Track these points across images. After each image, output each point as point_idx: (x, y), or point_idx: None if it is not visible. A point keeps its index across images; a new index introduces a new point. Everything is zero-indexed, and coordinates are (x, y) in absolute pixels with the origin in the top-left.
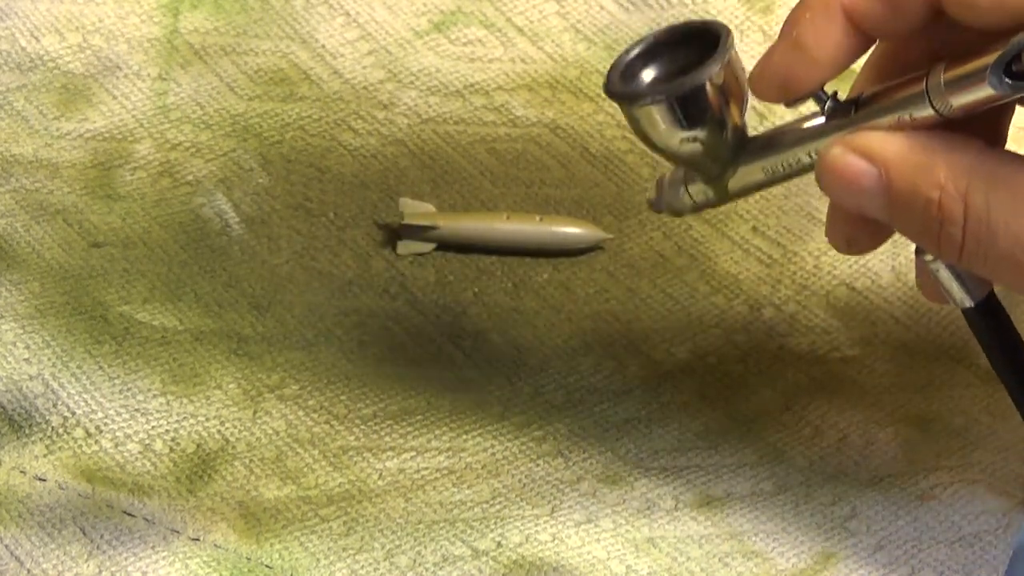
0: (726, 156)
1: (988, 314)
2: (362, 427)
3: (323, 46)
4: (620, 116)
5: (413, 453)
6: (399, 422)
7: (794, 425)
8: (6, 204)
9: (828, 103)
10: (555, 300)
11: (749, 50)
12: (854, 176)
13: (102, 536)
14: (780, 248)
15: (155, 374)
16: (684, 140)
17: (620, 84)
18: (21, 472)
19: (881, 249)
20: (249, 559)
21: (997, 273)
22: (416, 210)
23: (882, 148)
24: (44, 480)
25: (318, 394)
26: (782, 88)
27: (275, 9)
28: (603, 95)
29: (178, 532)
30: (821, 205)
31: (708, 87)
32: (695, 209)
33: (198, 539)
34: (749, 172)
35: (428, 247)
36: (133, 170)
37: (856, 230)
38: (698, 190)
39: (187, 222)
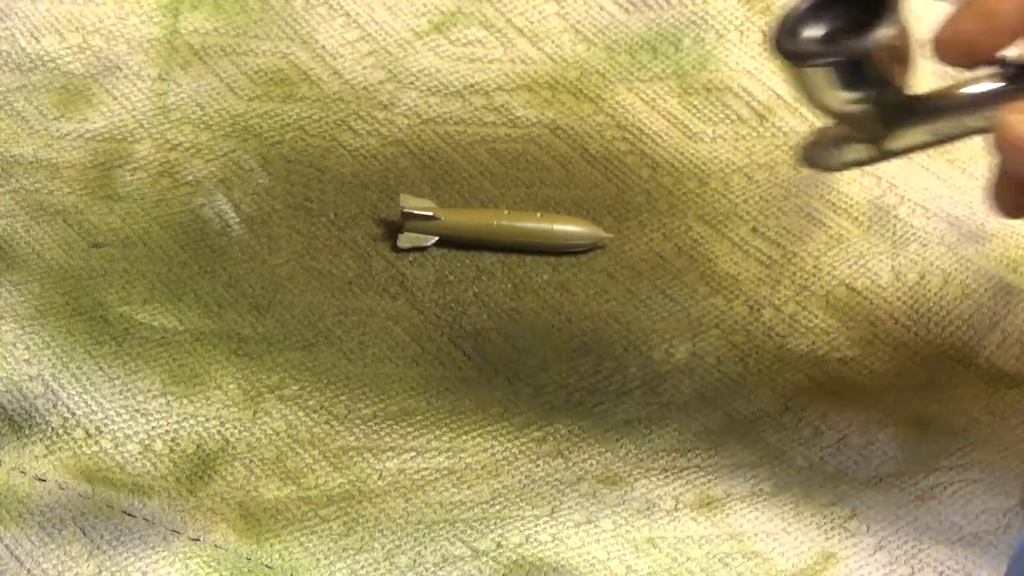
0: (891, 117)
1: None
2: (362, 427)
3: (323, 47)
4: (619, 117)
5: (413, 453)
6: (399, 422)
7: (794, 425)
8: (6, 205)
9: (1006, 68)
10: (555, 301)
11: (749, 51)
12: None
13: (102, 536)
14: (780, 249)
15: (155, 374)
16: (851, 101)
17: (788, 42)
18: (21, 472)
19: (881, 249)
20: (249, 559)
21: None
22: (416, 205)
23: None
24: (44, 480)
25: (318, 394)
26: (967, 54)
27: (275, 10)
28: (603, 96)
29: (178, 532)
30: (821, 206)
31: (879, 50)
32: (848, 167)
33: (198, 539)
34: (913, 134)
35: (429, 240)
36: (133, 170)
37: None
38: (856, 149)
39: (187, 222)
